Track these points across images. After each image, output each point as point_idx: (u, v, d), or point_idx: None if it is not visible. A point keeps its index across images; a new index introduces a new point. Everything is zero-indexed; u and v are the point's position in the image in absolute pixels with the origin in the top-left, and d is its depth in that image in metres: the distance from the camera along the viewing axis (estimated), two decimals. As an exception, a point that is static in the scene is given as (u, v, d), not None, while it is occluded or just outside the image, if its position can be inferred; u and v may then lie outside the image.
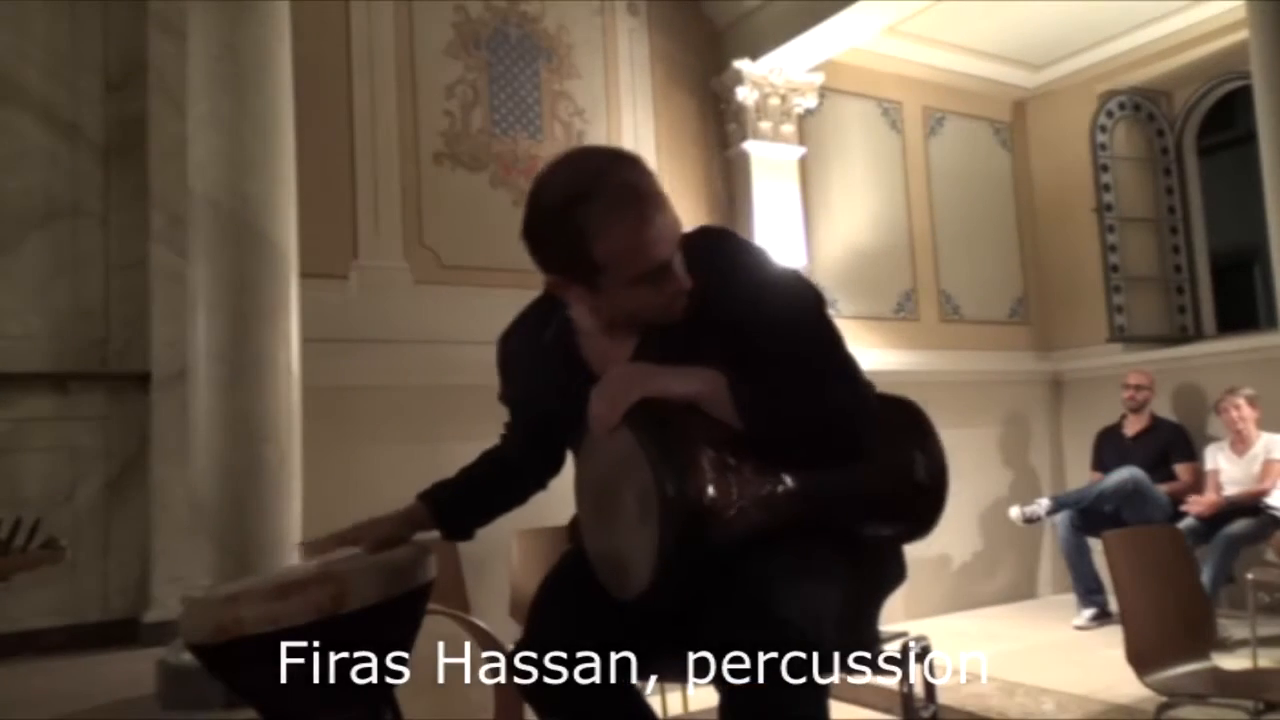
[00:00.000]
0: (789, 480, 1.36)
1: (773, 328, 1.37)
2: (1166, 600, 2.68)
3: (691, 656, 1.39)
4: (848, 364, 1.42)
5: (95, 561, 3.45)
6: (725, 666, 1.23)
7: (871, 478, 1.47)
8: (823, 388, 1.37)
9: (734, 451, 1.32)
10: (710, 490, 1.27)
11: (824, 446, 1.37)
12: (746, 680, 1.21)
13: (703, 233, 1.48)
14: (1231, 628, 4.13)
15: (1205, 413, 5.18)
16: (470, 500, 1.68)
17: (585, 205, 1.32)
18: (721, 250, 1.45)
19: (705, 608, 1.28)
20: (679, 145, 4.91)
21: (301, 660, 1.31)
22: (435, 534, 1.65)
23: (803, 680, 1.22)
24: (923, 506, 1.55)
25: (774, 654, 1.21)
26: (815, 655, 1.24)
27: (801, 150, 5.14)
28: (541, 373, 1.55)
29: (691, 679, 1.82)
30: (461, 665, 1.99)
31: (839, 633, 1.35)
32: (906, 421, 1.58)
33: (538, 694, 1.44)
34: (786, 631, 1.22)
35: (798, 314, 1.42)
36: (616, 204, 1.31)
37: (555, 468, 1.71)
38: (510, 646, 1.56)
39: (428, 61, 4.28)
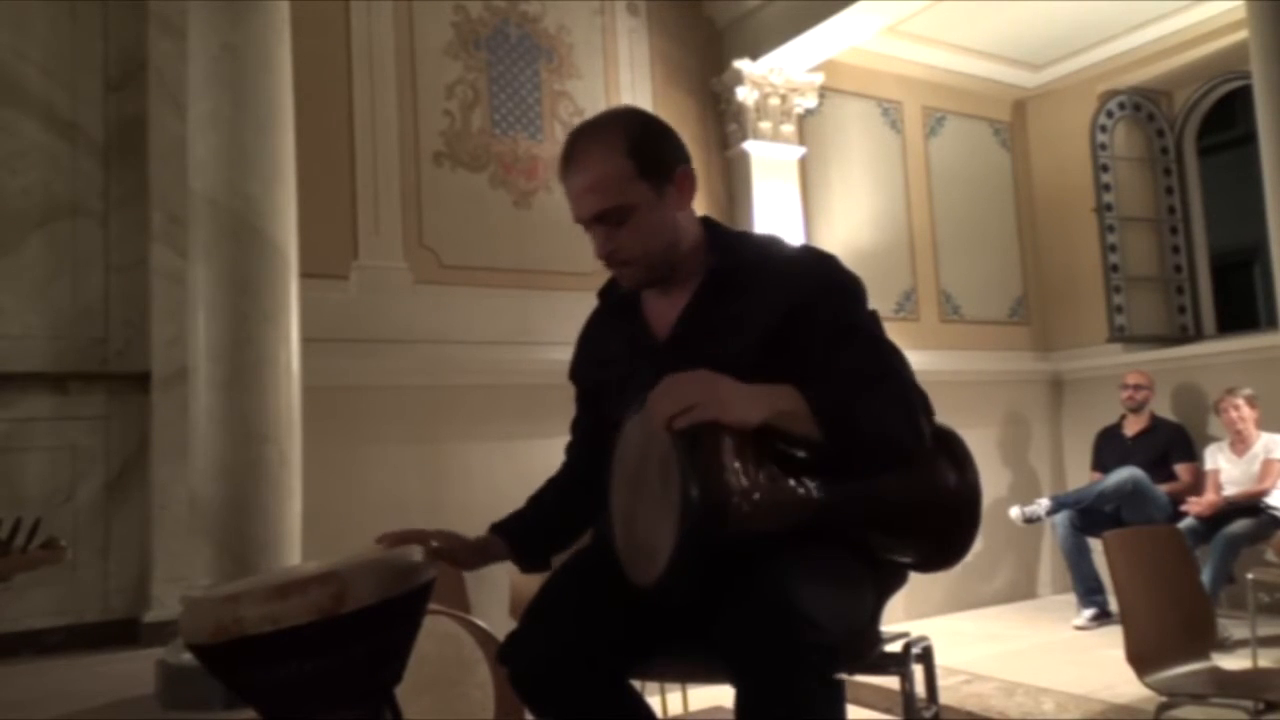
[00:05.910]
0: (813, 485, 1.36)
1: (830, 323, 1.43)
2: (1166, 600, 2.68)
3: (703, 655, 1.38)
4: (904, 369, 1.46)
5: (95, 561, 3.45)
6: (744, 664, 1.23)
7: (898, 488, 1.45)
8: (897, 399, 1.39)
9: (759, 453, 1.31)
10: (734, 490, 1.26)
11: (889, 456, 1.39)
12: (765, 678, 1.21)
13: (764, 233, 1.70)
14: (1231, 628, 4.14)
15: (1205, 413, 5.18)
16: (543, 527, 1.67)
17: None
18: (780, 242, 1.62)
19: (720, 605, 1.27)
20: (679, 145, 4.91)
21: (301, 660, 1.31)
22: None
23: (820, 681, 1.22)
24: (950, 528, 1.50)
25: (795, 652, 1.20)
26: (835, 655, 1.24)
27: (801, 150, 5.14)
28: (610, 328, 1.65)
29: (699, 678, 1.82)
30: (461, 665, 1.99)
31: (855, 634, 1.35)
32: (941, 445, 1.53)
33: (525, 686, 1.44)
34: (808, 629, 1.21)
35: (859, 316, 1.47)
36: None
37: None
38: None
39: (428, 61, 4.27)
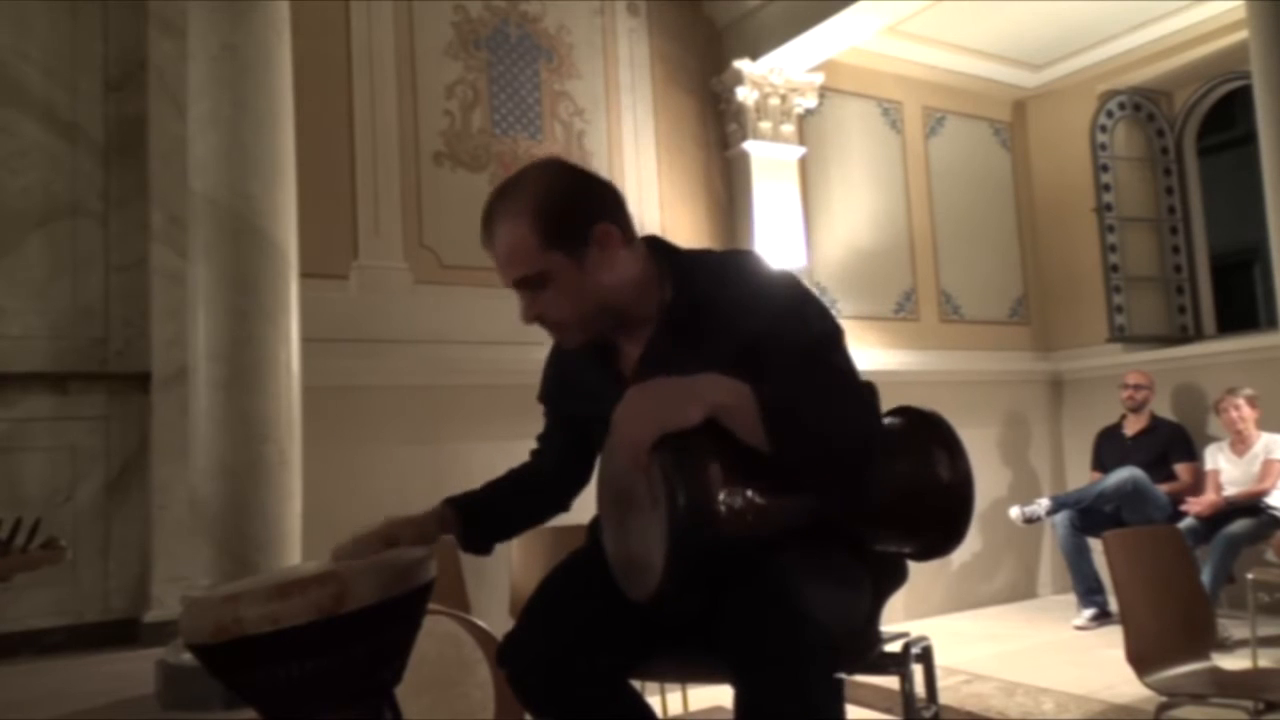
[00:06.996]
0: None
1: (789, 349, 1.39)
2: (1166, 600, 2.68)
3: (703, 655, 1.38)
4: (859, 385, 1.41)
5: (95, 561, 3.45)
6: (745, 659, 1.22)
7: (890, 479, 1.45)
8: (842, 406, 1.36)
9: (747, 457, 1.31)
10: (721, 496, 1.26)
11: (838, 463, 1.34)
12: (766, 673, 1.20)
13: (727, 253, 1.59)
14: (1231, 628, 4.14)
15: (1205, 413, 5.19)
16: (492, 514, 1.67)
17: None
18: (739, 268, 1.51)
19: (720, 606, 1.27)
20: (679, 145, 4.91)
21: (301, 660, 1.31)
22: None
23: (822, 678, 1.22)
24: (946, 516, 1.48)
25: (796, 647, 1.20)
26: (835, 650, 1.23)
27: (801, 150, 5.14)
28: (579, 366, 1.60)
29: (699, 678, 1.82)
30: (461, 665, 1.99)
31: (853, 633, 1.35)
32: (930, 432, 1.52)
33: (524, 687, 1.44)
34: (808, 628, 1.21)
35: (816, 337, 1.43)
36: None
37: (581, 481, 1.69)
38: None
39: (428, 61, 4.27)
